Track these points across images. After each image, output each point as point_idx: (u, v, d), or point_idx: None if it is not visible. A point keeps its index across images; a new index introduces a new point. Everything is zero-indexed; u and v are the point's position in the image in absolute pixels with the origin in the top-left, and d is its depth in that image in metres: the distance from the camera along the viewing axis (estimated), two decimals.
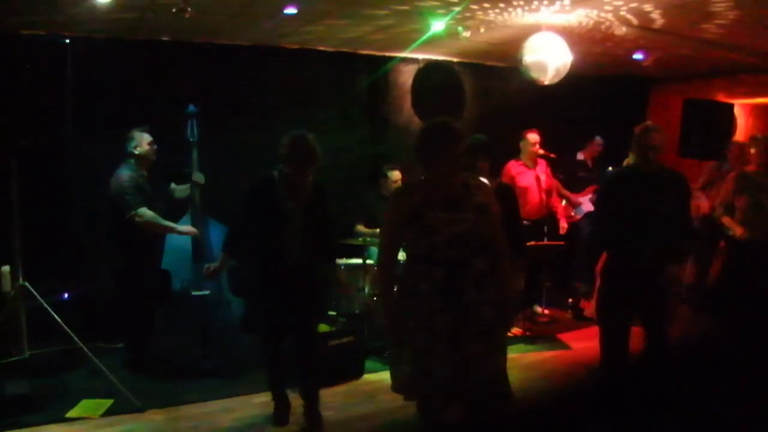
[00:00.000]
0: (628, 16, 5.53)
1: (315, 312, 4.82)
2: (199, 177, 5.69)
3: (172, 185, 5.92)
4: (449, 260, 3.40)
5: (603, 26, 5.82)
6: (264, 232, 4.45)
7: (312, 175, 4.45)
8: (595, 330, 4.75)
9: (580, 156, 7.93)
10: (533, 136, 7.05)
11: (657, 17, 5.55)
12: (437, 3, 5.22)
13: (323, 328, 6.64)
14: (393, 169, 6.52)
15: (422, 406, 3.57)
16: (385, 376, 4.65)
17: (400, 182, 6.41)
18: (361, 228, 6.57)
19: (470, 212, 3.42)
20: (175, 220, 5.64)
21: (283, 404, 4.73)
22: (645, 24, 5.76)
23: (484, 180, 3.78)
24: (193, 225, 5.62)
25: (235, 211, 4.63)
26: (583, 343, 6.33)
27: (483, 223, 3.43)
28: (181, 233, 5.55)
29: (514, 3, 5.24)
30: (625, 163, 5.88)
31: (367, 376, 5.56)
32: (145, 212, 5.39)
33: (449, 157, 3.39)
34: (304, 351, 4.63)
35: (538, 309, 7.33)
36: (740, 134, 9.05)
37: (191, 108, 5.65)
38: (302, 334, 4.61)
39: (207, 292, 5.58)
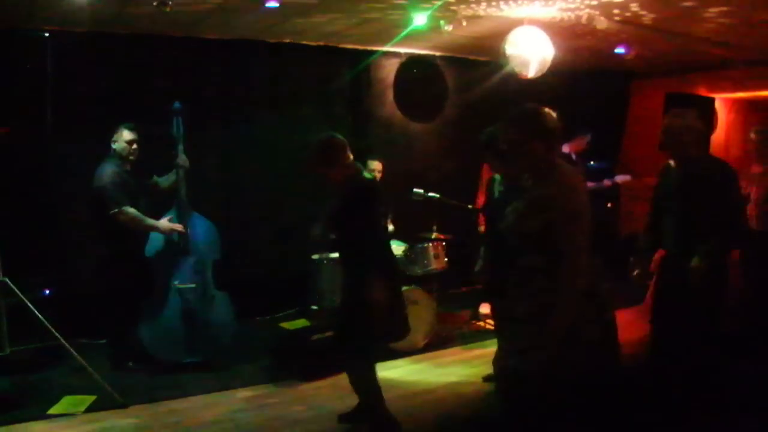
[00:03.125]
0: (611, 10, 5.55)
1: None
2: (183, 160, 5.66)
3: (155, 177, 5.87)
4: (506, 251, 3.42)
5: (585, 20, 5.84)
6: None
7: (344, 173, 4.34)
8: None
9: (565, 149, 7.94)
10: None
11: (639, 12, 5.58)
12: None
13: (303, 323, 6.68)
14: (373, 159, 6.52)
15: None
16: None
17: (379, 172, 6.41)
18: None
19: (520, 203, 3.36)
20: (161, 213, 5.60)
21: None
22: (627, 19, 5.79)
23: (564, 173, 3.43)
24: (179, 217, 5.60)
25: None
26: None
27: (530, 217, 3.28)
28: (163, 232, 5.52)
29: None
30: None
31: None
32: (128, 210, 5.36)
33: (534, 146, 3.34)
34: None
35: None
36: (721, 129, 9.13)
37: (176, 105, 5.62)
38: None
39: (192, 285, 5.57)
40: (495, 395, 4.23)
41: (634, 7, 5.42)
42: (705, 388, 4.42)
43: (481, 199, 6.40)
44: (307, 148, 4.41)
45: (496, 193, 4.88)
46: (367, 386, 4.43)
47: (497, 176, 4.95)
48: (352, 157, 4.40)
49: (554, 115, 3.35)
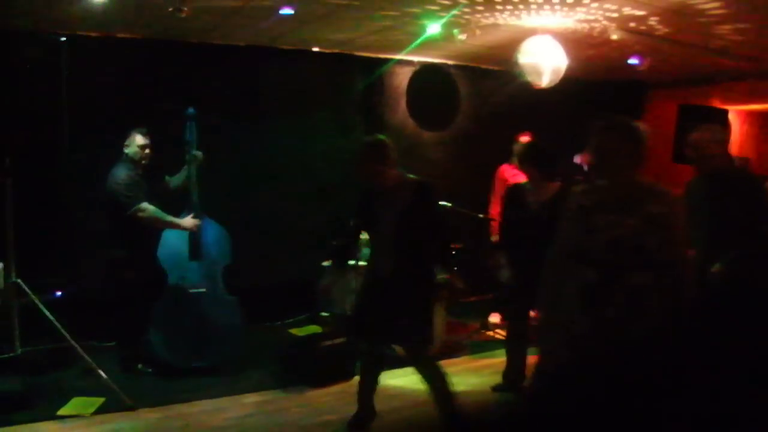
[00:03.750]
0: (628, 23, 5.55)
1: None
2: (197, 153, 5.70)
3: (167, 177, 5.89)
4: (603, 263, 3.28)
5: (599, 31, 5.84)
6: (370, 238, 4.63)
7: (398, 172, 4.35)
8: None
9: (577, 159, 7.93)
10: (526, 140, 7.06)
11: (656, 26, 5.58)
12: (434, 7, 5.23)
13: (314, 329, 6.67)
14: None
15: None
16: None
17: None
18: None
19: (636, 219, 3.26)
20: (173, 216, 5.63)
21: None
22: (642, 30, 5.78)
23: (666, 191, 3.46)
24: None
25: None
26: None
27: (648, 233, 3.23)
28: (184, 228, 5.55)
29: (511, 6, 5.26)
30: None
31: (358, 378, 5.56)
32: (147, 207, 5.38)
33: (625, 157, 3.32)
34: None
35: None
36: (735, 141, 9.08)
37: (190, 110, 5.65)
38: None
39: (203, 290, 5.59)
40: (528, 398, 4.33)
41: (653, 21, 5.42)
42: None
43: (496, 209, 6.37)
44: (358, 150, 4.39)
45: (531, 203, 4.91)
46: (440, 376, 4.44)
47: (527, 184, 4.97)
48: None
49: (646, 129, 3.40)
